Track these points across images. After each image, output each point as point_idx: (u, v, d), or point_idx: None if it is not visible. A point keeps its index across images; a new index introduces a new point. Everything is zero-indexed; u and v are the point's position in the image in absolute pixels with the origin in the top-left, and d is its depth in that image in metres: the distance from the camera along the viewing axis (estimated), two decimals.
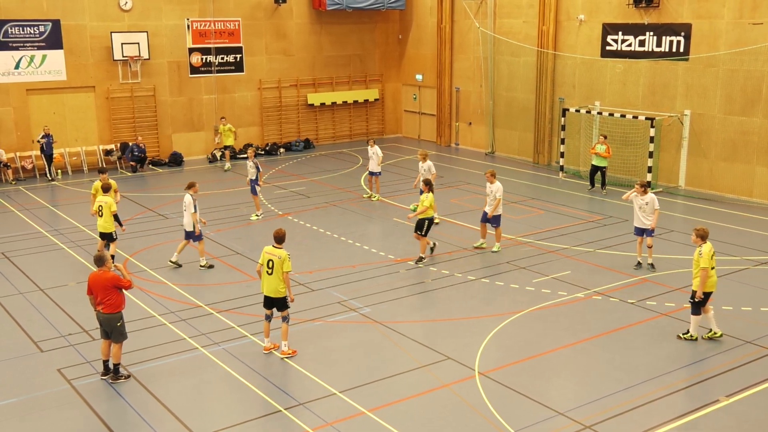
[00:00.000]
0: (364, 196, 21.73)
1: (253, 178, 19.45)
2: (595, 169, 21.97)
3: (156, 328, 12.81)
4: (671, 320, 12.95)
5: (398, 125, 33.34)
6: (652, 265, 15.41)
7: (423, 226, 15.93)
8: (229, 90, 28.65)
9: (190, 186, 15.62)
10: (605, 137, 21.67)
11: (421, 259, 16.00)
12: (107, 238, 15.76)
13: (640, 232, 15.39)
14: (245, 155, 25.14)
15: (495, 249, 16.67)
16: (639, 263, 15.54)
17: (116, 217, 15.84)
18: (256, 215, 19.64)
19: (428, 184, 16.15)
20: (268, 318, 11.81)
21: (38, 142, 24.53)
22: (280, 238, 11.58)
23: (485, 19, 27.99)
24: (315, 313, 13.40)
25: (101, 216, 15.53)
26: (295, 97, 30.17)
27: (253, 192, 19.68)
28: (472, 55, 29.07)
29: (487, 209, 16.52)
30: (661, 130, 22.38)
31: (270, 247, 11.60)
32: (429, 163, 18.92)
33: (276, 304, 11.64)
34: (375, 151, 21.10)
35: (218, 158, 27.60)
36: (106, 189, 15.80)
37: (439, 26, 29.76)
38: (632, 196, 15.38)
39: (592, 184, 22.28)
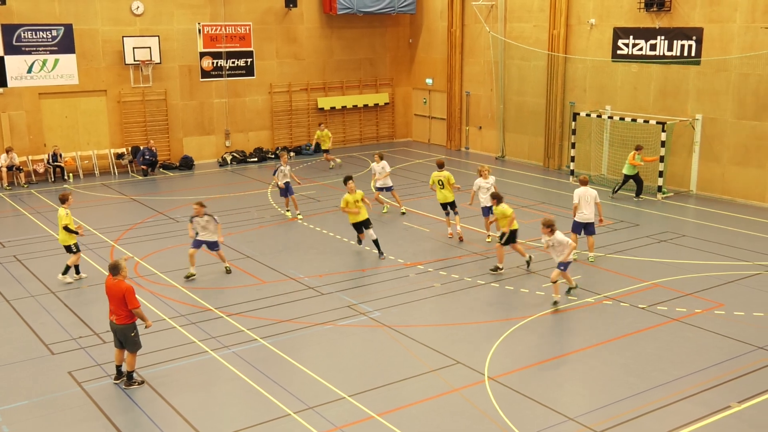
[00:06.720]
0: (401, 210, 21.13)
1: (288, 180, 20.08)
2: (627, 178, 21.46)
3: (166, 331, 12.84)
4: (682, 325, 12.87)
5: (408, 129, 33.36)
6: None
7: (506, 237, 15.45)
8: (240, 94, 28.74)
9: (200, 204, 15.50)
10: (641, 147, 21.25)
11: (497, 268, 15.60)
12: (67, 250, 15.33)
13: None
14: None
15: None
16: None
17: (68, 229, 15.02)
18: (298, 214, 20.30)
19: (496, 197, 15.54)
20: (448, 214, 17.77)
21: (48, 164, 25.01)
22: (441, 165, 17.79)
23: (496, 24, 27.98)
24: (325, 316, 13.41)
25: None
26: (305, 101, 30.24)
27: (291, 193, 20.22)
28: (482, 59, 29.06)
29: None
30: (673, 135, 22.28)
31: (436, 171, 17.58)
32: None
33: (450, 205, 17.52)
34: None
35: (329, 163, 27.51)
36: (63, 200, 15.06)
37: (449, 30, 29.77)
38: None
39: (615, 191, 21.92)
